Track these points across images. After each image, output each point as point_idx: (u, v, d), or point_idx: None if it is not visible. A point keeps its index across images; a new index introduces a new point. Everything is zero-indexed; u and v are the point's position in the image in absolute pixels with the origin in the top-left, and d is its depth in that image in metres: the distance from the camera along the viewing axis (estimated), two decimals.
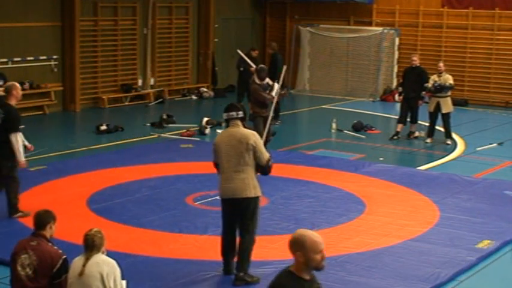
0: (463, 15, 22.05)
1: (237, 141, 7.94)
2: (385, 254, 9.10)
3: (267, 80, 13.65)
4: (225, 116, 8.14)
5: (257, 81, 13.57)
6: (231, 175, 7.96)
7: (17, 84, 10.26)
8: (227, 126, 8.21)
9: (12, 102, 10.03)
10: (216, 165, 8.27)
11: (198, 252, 9.02)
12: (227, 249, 8.32)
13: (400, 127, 16.38)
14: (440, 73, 15.91)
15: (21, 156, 9.93)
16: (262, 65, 14.46)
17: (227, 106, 8.22)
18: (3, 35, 17.88)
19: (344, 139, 16.48)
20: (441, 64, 16.19)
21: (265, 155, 8.03)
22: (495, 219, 10.49)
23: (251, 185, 7.97)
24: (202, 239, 9.50)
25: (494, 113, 20.52)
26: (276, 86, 13.42)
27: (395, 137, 16.34)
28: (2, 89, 13.52)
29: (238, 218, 8.13)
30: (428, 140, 16.10)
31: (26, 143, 10.32)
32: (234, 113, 8.05)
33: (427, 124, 16.31)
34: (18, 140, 9.89)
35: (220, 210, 8.38)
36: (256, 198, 8.04)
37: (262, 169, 8.10)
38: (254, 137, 7.98)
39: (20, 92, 10.16)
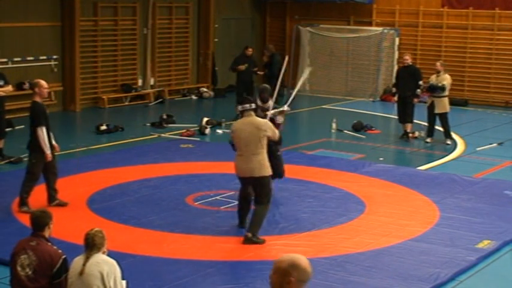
0: (463, 15, 22.05)
1: (255, 128, 9.23)
2: (385, 254, 9.10)
3: (270, 102, 11.30)
4: (240, 108, 9.44)
5: (259, 103, 11.08)
6: (249, 157, 9.23)
7: (42, 82, 10.56)
8: (241, 117, 9.49)
9: (37, 99, 10.44)
10: (233, 144, 9.56)
11: (198, 252, 9.02)
12: (242, 211, 9.77)
13: (405, 126, 16.36)
14: (438, 73, 15.90)
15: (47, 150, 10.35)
16: (264, 85, 12.08)
17: (241, 100, 9.71)
18: (3, 35, 17.88)
19: (344, 139, 16.48)
20: (438, 64, 16.15)
21: (277, 133, 9.52)
22: (495, 219, 10.49)
23: (266, 165, 9.30)
24: (202, 239, 9.49)
25: (494, 113, 20.51)
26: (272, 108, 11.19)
27: (404, 136, 16.32)
28: (1, 89, 13.56)
29: (252, 190, 9.49)
30: (429, 140, 16.09)
31: (53, 142, 10.67)
32: (247, 105, 9.33)
33: (426, 124, 16.31)
34: (44, 134, 10.30)
35: (240, 185, 9.73)
36: (269, 176, 9.38)
37: (276, 142, 9.96)
38: (267, 125, 9.36)
39: (45, 90, 10.52)
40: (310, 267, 4.10)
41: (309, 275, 4.08)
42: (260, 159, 9.22)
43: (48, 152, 10.30)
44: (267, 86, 11.90)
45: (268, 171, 9.32)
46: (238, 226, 9.85)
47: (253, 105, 9.39)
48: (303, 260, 4.10)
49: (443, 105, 15.84)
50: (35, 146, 10.36)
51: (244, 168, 9.31)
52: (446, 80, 15.82)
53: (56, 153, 10.68)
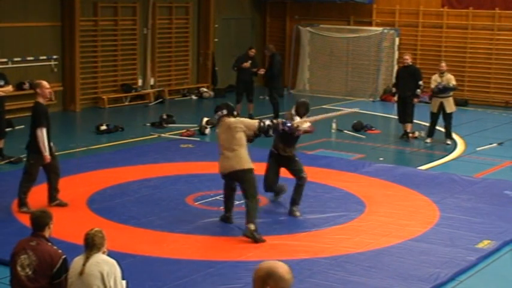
0: (463, 15, 22.06)
1: (229, 128, 9.75)
2: (385, 254, 9.10)
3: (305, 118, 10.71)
4: (215, 116, 10.07)
5: (293, 115, 10.69)
6: (228, 154, 9.68)
7: (44, 82, 10.56)
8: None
9: (40, 99, 10.41)
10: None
11: (198, 252, 9.02)
12: (228, 201, 10.08)
13: (405, 126, 16.33)
14: (442, 73, 15.89)
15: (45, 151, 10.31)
16: (303, 100, 10.99)
17: (214, 109, 10.08)
18: (3, 35, 17.88)
19: (344, 139, 16.48)
20: (443, 64, 16.16)
21: (253, 124, 9.92)
22: (495, 219, 10.49)
23: (245, 159, 9.64)
24: (202, 239, 9.49)
25: (494, 113, 20.51)
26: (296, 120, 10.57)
27: (404, 136, 16.30)
28: (1, 89, 13.56)
29: (236, 184, 9.90)
30: (428, 140, 16.09)
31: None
32: (220, 112, 9.90)
33: (426, 124, 16.30)
34: (44, 135, 10.27)
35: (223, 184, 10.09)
36: (251, 169, 9.64)
37: (260, 133, 9.92)
38: (238, 121, 9.85)
39: (47, 91, 10.49)
40: (290, 273, 4.04)
41: (288, 282, 4.02)
42: (238, 154, 9.62)
43: (46, 153, 10.27)
44: (305, 101, 10.95)
45: (248, 164, 9.64)
46: (224, 216, 10.10)
47: (225, 111, 9.85)
48: (280, 268, 4.03)
49: (452, 104, 15.89)
50: (33, 146, 10.35)
51: (225, 165, 9.74)
52: (452, 79, 15.86)
53: (54, 153, 10.67)
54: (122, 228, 9.80)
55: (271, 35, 24.99)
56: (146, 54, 21.33)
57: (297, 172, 10.64)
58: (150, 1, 21.05)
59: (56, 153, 10.82)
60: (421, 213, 10.81)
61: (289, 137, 10.44)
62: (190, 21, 22.64)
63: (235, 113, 10.02)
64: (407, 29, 22.81)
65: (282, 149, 10.58)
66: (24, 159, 12.92)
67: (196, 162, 13.49)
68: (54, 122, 18.29)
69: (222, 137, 9.84)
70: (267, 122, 10.02)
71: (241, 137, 9.68)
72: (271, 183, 10.82)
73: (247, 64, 18.27)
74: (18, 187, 10.44)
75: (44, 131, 10.28)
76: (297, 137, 10.61)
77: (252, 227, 9.33)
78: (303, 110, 10.70)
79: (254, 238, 9.28)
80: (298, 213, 10.55)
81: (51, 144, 10.55)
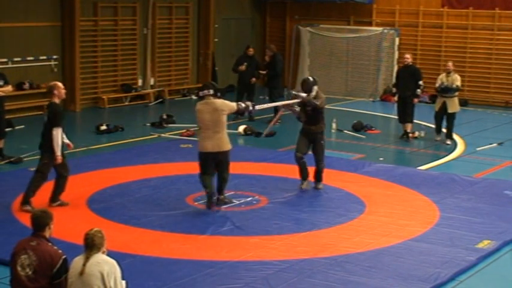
0: (463, 15, 22.06)
1: (214, 110, 10.40)
2: (385, 254, 9.10)
3: (313, 92, 12.19)
4: (200, 94, 10.70)
5: (303, 94, 12.18)
6: (211, 136, 10.45)
7: (59, 84, 10.80)
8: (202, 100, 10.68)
9: (55, 100, 10.55)
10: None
11: (198, 252, 9.02)
12: (210, 183, 10.65)
13: (405, 126, 16.32)
14: (449, 72, 15.87)
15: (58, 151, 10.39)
16: (304, 77, 12.80)
17: (202, 86, 10.94)
18: (3, 35, 17.88)
19: (344, 139, 16.48)
20: (450, 63, 16.13)
21: (233, 106, 10.67)
22: (495, 219, 10.49)
23: (226, 141, 10.56)
24: (202, 239, 9.49)
25: (494, 113, 20.51)
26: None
27: (404, 136, 16.28)
28: (1, 89, 13.56)
29: (214, 166, 10.66)
30: (438, 138, 16.07)
31: (67, 141, 10.81)
32: (206, 91, 10.51)
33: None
34: (59, 136, 10.37)
35: (200, 163, 10.76)
36: (229, 151, 10.64)
37: (237, 114, 11.61)
38: (223, 104, 10.50)
39: (63, 91, 10.74)
40: None
41: None
42: (220, 136, 10.47)
43: (58, 153, 10.33)
44: (305, 78, 12.56)
45: (229, 146, 10.61)
46: (215, 199, 10.77)
47: (211, 91, 10.47)
48: None
49: (455, 105, 15.87)
50: (47, 146, 10.39)
51: (208, 145, 10.49)
52: (458, 80, 15.83)
53: (64, 152, 10.69)
54: (122, 228, 9.81)
55: (271, 35, 24.99)
56: (146, 54, 21.33)
57: (317, 159, 11.75)
58: (150, 1, 21.05)
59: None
60: (421, 213, 10.81)
61: (308, 116, 11.83)
62: (190, 21, 22.64)
63: (218, 94, 10.69)
64: (407, 29, 22.81)
65: (308, 128, 11.84)
66: (25, 159, 12.98)
67: (196, 162, 13.45)
68: None
69: (206, 117, 10.47)
70: (243, 105, 10.98)
71: (225, 120, 10.53)
72: (301, 148, 11.76)
73: (242, 67, 18.35)
74: (28, 184, 10.45)
75: (60, 131, 10.37)
76: (317, 114, 11.83)
77: (222, 197, 10.77)
78: (304, 87, 12.12)
79: (226, 203, 10.74)
80: (320, 186, 11.86)
81: (67, 141, 10.73)
